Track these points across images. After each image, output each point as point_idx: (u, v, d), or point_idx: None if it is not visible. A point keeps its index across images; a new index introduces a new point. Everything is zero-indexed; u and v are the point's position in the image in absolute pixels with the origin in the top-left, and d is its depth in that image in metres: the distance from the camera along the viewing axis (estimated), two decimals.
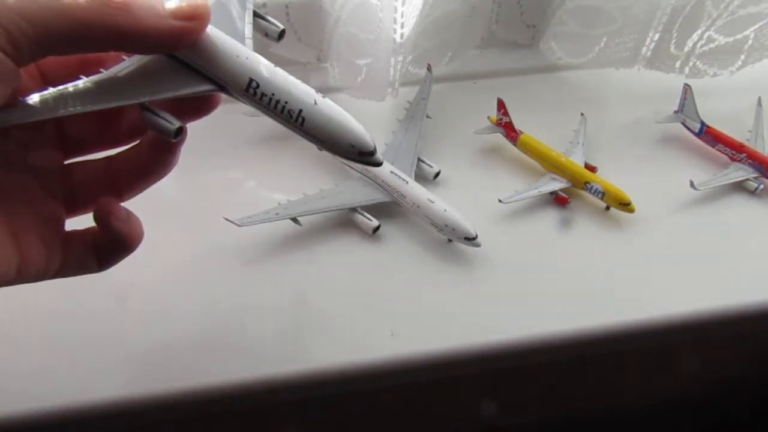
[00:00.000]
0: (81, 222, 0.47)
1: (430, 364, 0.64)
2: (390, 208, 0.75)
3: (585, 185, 0.76)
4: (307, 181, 0.75)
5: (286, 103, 0.41)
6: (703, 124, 0.84)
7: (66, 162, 0.48)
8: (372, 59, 0.80)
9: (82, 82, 0.40)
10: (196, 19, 0.40)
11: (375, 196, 0.74)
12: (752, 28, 0.85)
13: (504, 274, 0.70)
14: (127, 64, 0.42)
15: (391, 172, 0.74)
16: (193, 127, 0.45)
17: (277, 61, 0.43)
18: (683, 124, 0.85)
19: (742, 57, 0.88)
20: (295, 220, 0.70)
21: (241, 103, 0.44)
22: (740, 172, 0.80)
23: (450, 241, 0.72)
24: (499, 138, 0.83)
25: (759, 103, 0.87)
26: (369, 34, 0.78)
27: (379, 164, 0.44)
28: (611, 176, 0.76)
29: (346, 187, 0.76)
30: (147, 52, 0.42)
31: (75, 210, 0.47)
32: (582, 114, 0.85)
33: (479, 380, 0.79)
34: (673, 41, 0.86)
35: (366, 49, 0.80)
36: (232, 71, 0.42)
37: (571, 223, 0.76)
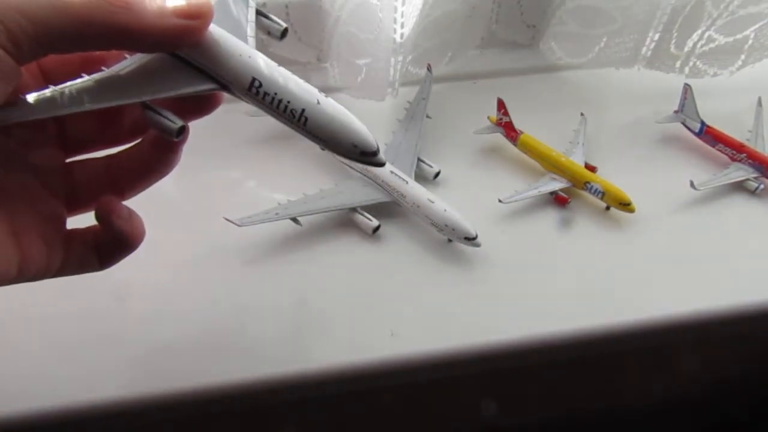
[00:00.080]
0: (82, 221, 0.47)
1: (430, 364, 0.64)
2: (390, 208, 0.75)
3: (585, 185, 0.76)
4: (307, 181, 0.75)
5: (288, 102, 0.41)
6: (703, 124, 0.84)
7: (67, 160, 0.48)
8: (372, 59, 0.80)
9: (83, 81, 0.40)
10: (198, 17, 0.40)
11: (375, 196, 0.74)
12: (752, 28, 0.85)
13: (504, 274, 0.70)
14: (128, 62, 0.42)
15: (391, 172, 0.74)
16: (193, 127, 0.45)
17: (277, 61, 0.43)
18: (683, 124, 0.85)
19: (742, 57, 0.88)
20: (295, 220, 0.70)
21: (241, 102, 0.44)
22: (740, 172, 0.80)
23: (450, 241, 0.72)
24: (499, 138, 0.83)
25: (759, 103, 0.87)
26: (369, 34, 0.78)
27: (381, 164, 0.44)
28: (611, 176, 0.76)
29: (346, 187, 0.76)
30: (149, 51, 0.42)
31: (76, 208, 0.47)
32: (582, 114, 0.85)
33: (479, 380, 0.79)
34: (673, 41, 0.86)
35: (366, 49, 0.80)
36: (235, 70, 0.42)
37: (571, 223, 0.76)
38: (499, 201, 0.74)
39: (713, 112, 0.84)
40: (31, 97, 0.38)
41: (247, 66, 0.42)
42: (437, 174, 0.78)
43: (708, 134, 0.84)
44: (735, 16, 0.83)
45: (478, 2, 0.85)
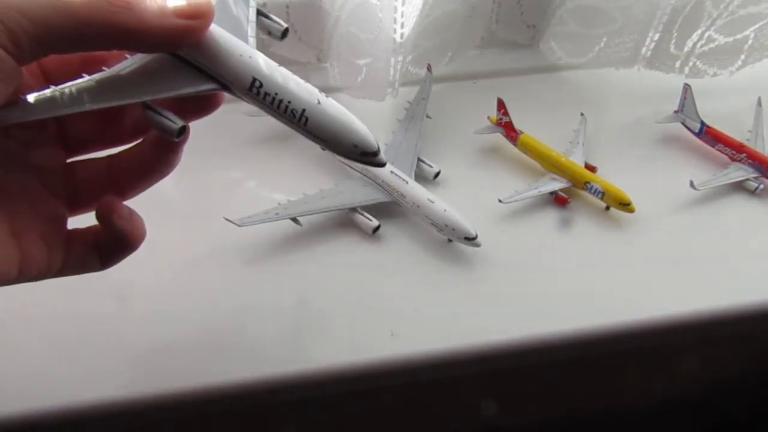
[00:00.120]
0: (83, 220, 0.47)
1: (430, 364, 0.64)
2: (390, 208, 0.75)
3: (585, 185, 0.76)
4: (307, 181, 0.75)
5: (289, 102, 0.41)
6: (703, 124, 0.84)
7: (68, 161, 0.48)
8: (372, 59, 0.80)
9: (84, 81, 0.40)
10: (199, 17, 0.40)
11: (375, 196, 0.74)
12: (752, 28, 0.85)
13: (504, 274, 0.70)
14: (129, 62, 0.42)
15: (391, 172, 0.74)
16: (193, 127, 0.45)
17: (277, 61, 0.43)
18: (683, 124, 0.85)
19: (742, 57, 0.88)
20: (295, 220, 0.70)
21: (241, 102, 0.44)
22: (740, 172, 0.80)
23: (450, 241, 0.72)
24: (499, 138, 0.83)
25: (759, 103, 0.87)
26: (369, 34, 0.78)
27: (382, 165, 0.44)
28: (611, 176, 0.76)
29: (346, 187, 0.76)
30: (149, 51, 0.42)
31: (77, 209, 0.47)
32: (582, 114, 0.85)
33: (479, 380, 0.79)
34: (673, 41, 0.87)
35: (366, 49, 0.80)
36: (236, 70, 0.42)
37: (571, 223, 0.76)
38: (499, 201, 0.74)
39: (713, 112, 0.84)
40: (31, 97, 0.38)
41: (247, 66, 0.42)
42: (437, 174, 0.78)
43: (708, 134, 0.84)
44: (735, 16, 0.83)
45: (478, 2, 0.85)
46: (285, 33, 0.47)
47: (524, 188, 0.77)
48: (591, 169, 0.79)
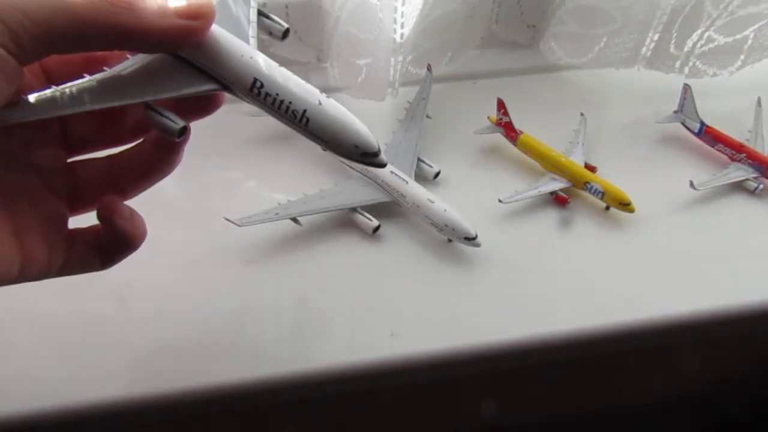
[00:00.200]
0: (84, 220, 0.47)
1: (430, 364, 0.64)
2: (390, 208, 0.75)
3: (585, 185, 0.76)
4: (307, 181, 0.75)
5: (290, 103, 0.41)
6: (702, 124, 0.84)
7: (69, 160, 0.48)
8: (372, 59, 0.80)
9: (85, 81, 0.40)
10: (200, 17, 0.40)
11: (375, 196, 0.74)
12: (752, 28, 0.85)
13: (504, 274, 0.70)
14: (130, 62, 0.42)
15: (391, 172, 0.74)
16: (193, 127, 0.45)
17: (277, 61, 0.43)
18: (683, 124, 0.85)
19: (742, 57, 0.88)
20: (295, 220, 0.70)
21: (242, 102, 0.44)
22: (740, 172, 0.80)
23: (450, 241, 0.72)
24: (499, 138, 0.83)
25: (759, 103, 0.87)
26: (369, 34, 0.78)
27: (383, 165, 0.44)
28: (611, 176, 0.76)
29: (346, 187, 0.76)
30: (150, 51, 0.42)
31: (78, 208, 0.47)
32: (582, 114, 0.85)
33: (479, 380, 0.79)
34: (673, 41, 0.87)
35: (366, 49, 0.80)
36: (237, 71, 0.42)
37: (571, 223, 0.76)
38: (499, 201, 0.74)
39: (713, 112, 0.84)
40: (33, 98, 0.38)
41: (248, 66, 0.41)
42: (437, 174, 0.78)
43: (707, 134, 0.84)
44: (734, 17, 0.83)
45: (478, 2, 0.86)
46: (286, 33, 0.47)
47: (524, 188, 0.77)
48: (591, 169, 0.79)
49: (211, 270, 0.69)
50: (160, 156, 0.47)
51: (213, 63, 0.42)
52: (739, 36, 0.86)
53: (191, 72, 0.42)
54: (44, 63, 0.43)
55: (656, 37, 0.87)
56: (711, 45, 0.86)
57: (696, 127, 0.84)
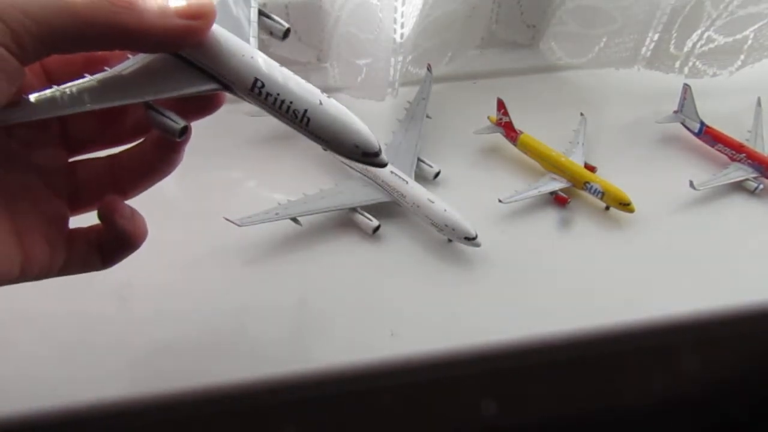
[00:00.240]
0: (84, 220, 0.47)
1: (430, 364, 0.64)
2: (390, 208, 0.75)
3: (585, 185, 0.76)
4: (307, 181, 0.75)
5: (291, 103, 0.41)
6: (702, 124, 0.84)
7: (70, 160, 0.48)
8: (372, 59, 0.80)
9: (86, 81, 0.40)
10: (201, 17, 0.40)
11: (375, 196, 0.74)
12: (752, 28, 0.85)
13: (504, 274, 0.70)
14: (131, 62, 0.42)
15: (391, 172, 0.74)
16: (193, 127, 0.45)
17: (277, 61, 0.43)
18: (683, 124, 0.85)
19: (742, 57, 0.88)
20: (295, 220, 0.70)
21: (242, 102, 0.44)
22: (740, 172, 0.80)
23: (450, 241, 0.72)
24: (499, 138, 0.83)
25: (758, 103, 0.87)
26: (369, 34, 0.78)
27: (384, 165, 0.44)
28: (611, 176, 0.76)
29: (346, 187, 0.76)
30: (151, 51, 0.42)
31: (79, 208, 0.47)
32: (582, 114, 0.85)
33: (479, 380, 0.79)
34: (673, 41, 0.87)
35: (366, 49, 0.80)
36: (238, 70, 0.41)
37: (571, 223, 0.76)
38: (499, 201, 0.74)
39: (713, 112, 0.84)
40: (33, 97, 0.38)
41: (249, 66, 0.41)
42: (437, 174, 0.78)
43: (707, 134, 0.84)
44: (734, 17, 0.83)
45: (478, 2, 0.86)
46: (287, 33, 0.47)
47: (524, 188, 0.77)
48: (591, 169, 0.79)
49: (211, 270, 0.69)
50: (160, 156, 0.47)
51: (214, 63, 0.42)
52: (739, 36, 0.86)
53: (192, 72, 0.42)
54: (45, 63, 0.43)
55: (656, 37, 0.87)
56: (711, 45, 0.86)
57: (696, 127, 0.84)
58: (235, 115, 0.70)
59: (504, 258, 0.71)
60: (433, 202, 0.71)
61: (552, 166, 0.79)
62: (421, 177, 0.78)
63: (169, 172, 0.48)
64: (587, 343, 0.67)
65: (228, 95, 0.44)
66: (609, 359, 0.80)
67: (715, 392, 1.01)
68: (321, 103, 0.41)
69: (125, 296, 0.65)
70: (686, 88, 0.84)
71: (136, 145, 0.48)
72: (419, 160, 0.78)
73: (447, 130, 0.84)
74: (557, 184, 0.77)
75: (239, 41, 0.42)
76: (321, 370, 0.63)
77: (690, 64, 0.88)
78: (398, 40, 0.77)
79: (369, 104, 0.83)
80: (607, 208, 0.76)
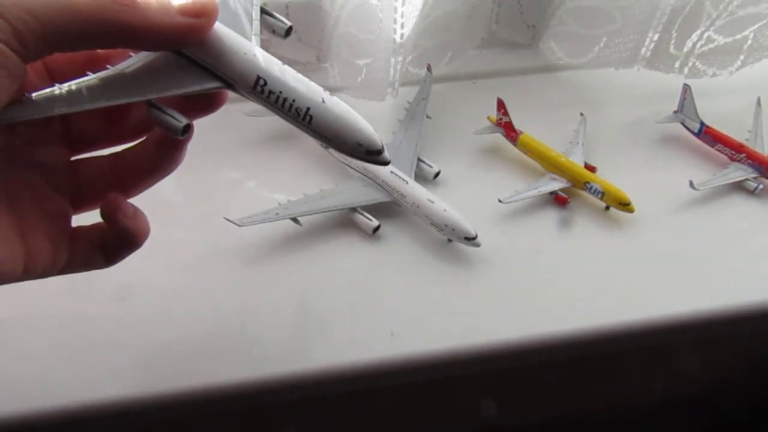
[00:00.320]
0: (87, 218, 0.47)
1: (430, 364, 0.64)
2: (390, 208, 0.75)
3: (585, 185, 0.76)
4: (307, 181, 0.75)
5: (293, 101, 0.41)
6: (702, 124, 0.84)
7: (72, 158, 0.48)
8: (372, 59, 0.80)
9: (88, 79, 0.40)
10: (203, 16, 0.40)
11: (375, 196, 0.74)
12: (751, 29, 0.85)
13: (504, 274, 0.70)
14: (133, 60, 0.42)
15: (391, 172, 0.74)
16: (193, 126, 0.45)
17: None
18: (683, 124, 0.85)
19: (742, 57, 0.88)
20: (295, 220, 0.70)
21: (243, 102, 0.44)
22: (740, 172, 0.80)
23: (450, 241, 0.72)
24: (499, 138, 0.83)
25: (758, 103, 0.87)
26: (369, 34, 0.78)
27: (387, 163, 0.43)
28: (611, 176, 0.76)
29: (346, 187, 0.76)
30: (154, 49, 0.42)
31: (81, 206, 0.47)
32: (582, 114, 0.85)
33: (479, 380, 0.79)
34: (673, 41, 0.87)
35: (366, 49, 0.80)
36: (240, 69, 0.41)
37: (571, 223, 0.76)
38: (499, 201, 0.74)
39: (712, 112, 0.84)
40: (36, 96, 0.38)
41: (252, 64, 0.41)
42: (437, 174, 0.78)
43: (707, 134, 0.84)
44: (734, 17, 0.83)
45: (478, 2, 0.86)
46: (289, 31, 0.47)
47: (524, 188, 0.77)
48: (591, 169, 0.79)
49: (211, 270, 0.69)
50: (163, 154, 0.47)
51: (216, 61, 0.42)
52: (738, 36, 0.86)
53: (194, 70, 0.42)
54: (47, 61, 0.43)
55: (656, 37, 0.87)
56: (711, 45, 0.86)
57: (696, 127, 0.84)
58: (235, 114, 0.70)
59: (504, 258, 0.71)
60: (433, 202, 0.71)
61: (552, 166, 0.79)
62: (421, 177, 0.77)
63: (172, 171, 0.48)
64: (587, 344, 0.67)
65: (230, 94, 0.44)
66: (609, 359, 0.80)
67: (715, 392, 1.01)
68: (324, 101, 0.41)
69: (125, 296, 0.65)
70: (686, 88, 0.84)
71: (139, 143, 0.48)
72: (419, 160, 0.78)
73: (447, 130, 0.84)
74: (557, 184, 0.77)
75: (241, 39, 0.42)
76: (321, 370, 0.62)
77: (690, 64, 0.88)
78: (398, 40, 0.77)
79: (369, 104, 0.83)
80: (607, 208, 0.76)
